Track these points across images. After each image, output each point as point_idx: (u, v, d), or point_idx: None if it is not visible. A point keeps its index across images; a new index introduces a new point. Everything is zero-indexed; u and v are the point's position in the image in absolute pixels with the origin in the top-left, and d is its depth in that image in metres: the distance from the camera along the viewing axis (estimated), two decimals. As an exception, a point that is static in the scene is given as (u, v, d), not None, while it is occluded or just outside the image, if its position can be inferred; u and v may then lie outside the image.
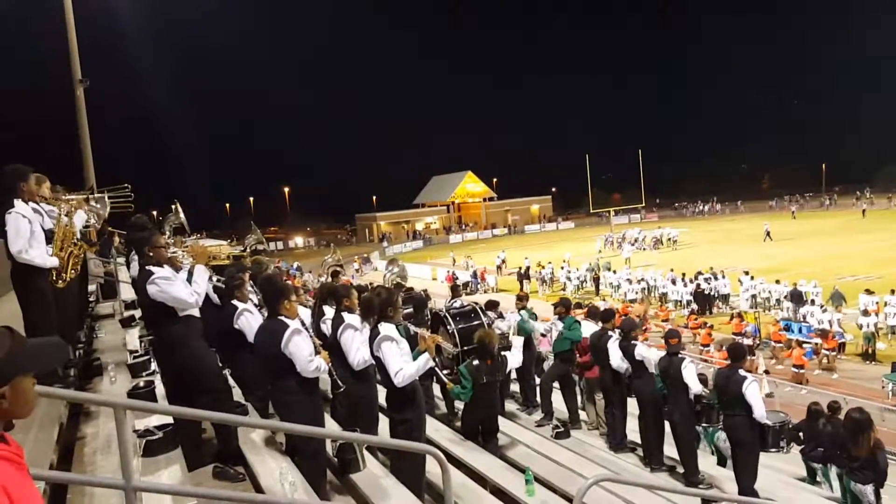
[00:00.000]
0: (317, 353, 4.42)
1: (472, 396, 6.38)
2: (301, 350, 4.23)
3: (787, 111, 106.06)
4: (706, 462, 7.65)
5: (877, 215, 50.44)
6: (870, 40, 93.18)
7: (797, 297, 20.48)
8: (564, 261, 33.03)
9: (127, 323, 7.79)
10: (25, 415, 1.70)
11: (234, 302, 5.75)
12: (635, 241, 43.03)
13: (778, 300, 22.36)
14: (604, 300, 24.72)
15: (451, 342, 6.40)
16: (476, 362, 6.44)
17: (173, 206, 7.68)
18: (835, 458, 7.09)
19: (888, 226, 41.67)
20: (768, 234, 40.64)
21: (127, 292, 8.68)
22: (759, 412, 6.30)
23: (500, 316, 8.75)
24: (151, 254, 4.29)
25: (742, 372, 6.45)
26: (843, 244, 35.42)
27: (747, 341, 16.72)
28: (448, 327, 7.06)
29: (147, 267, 4.19)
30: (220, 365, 6.51)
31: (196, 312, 4.31)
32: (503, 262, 38.00)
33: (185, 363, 4.24)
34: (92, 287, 9.63)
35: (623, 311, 21.77)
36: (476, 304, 8.48)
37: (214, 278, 6.22)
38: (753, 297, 23.15)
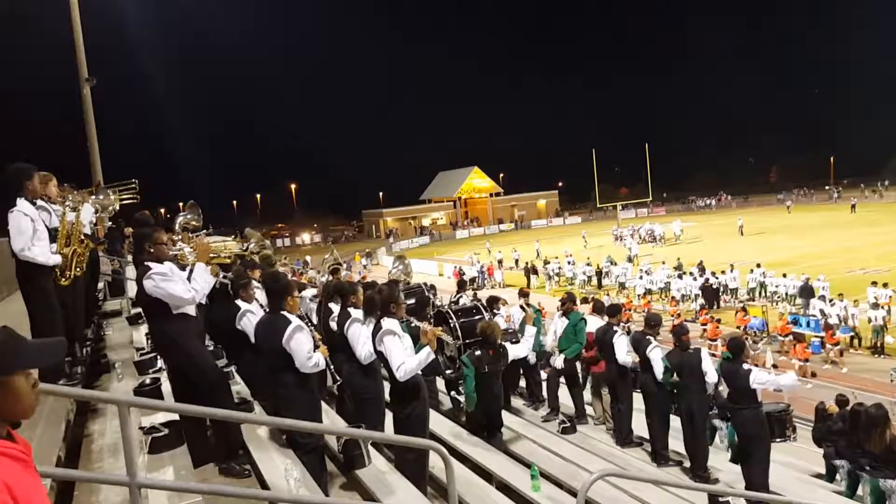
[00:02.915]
0: (316, 347, 4.44)
1: (474, 386, 6.39)
2: (301, 346, 4.25)
3: (794, 103, 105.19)
4: (717, 457, 7.63)
5: (868, 208, 49.98)
6: (877, 33, 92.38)
7: (808, 292, 20.32)
8: (569, 255, 33.12)
9: (134, 320, 7.84)
10: (23, 415, 1.66)
11: (238, 302, 5.77)
12: (645, 235, 42.88)
13: (786, 293, 22.27)
14: (608, 295, 24.65)
15: (452, 336, 6.43)
16: (478, 352, 6.45)
17: (188, 205, 7.68)
18: (851, 455, 7.04)
19: (881, 219, 41.43)
20: (741, 229, 41.01)
21: (134, 290, 8.72)
22: (786, 381, 6.64)
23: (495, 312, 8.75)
24: (152, 250, 4.29)
25: (746, 365, 6.45)
26: (852, 238, 35.17)
27: (754, 337, 16.68)
28: (451, 322, 7.08)
29: (146, 262, 4.20)
30: (227, 362, 6.56)
31: (192, 311, 4.30)
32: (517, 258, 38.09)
33: (179, 362, 4.28)
34: (100, 284, 9.69)
35: (627, 305, 21.83)
36: (478, 300, 8.49)
37: (221, 275, 6.24)
38: (753, 289, 23.08)
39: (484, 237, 61.48)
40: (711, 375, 6.72)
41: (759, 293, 23.41)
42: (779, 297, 22.51)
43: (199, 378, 4.19)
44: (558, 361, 8.06)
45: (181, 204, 7.82)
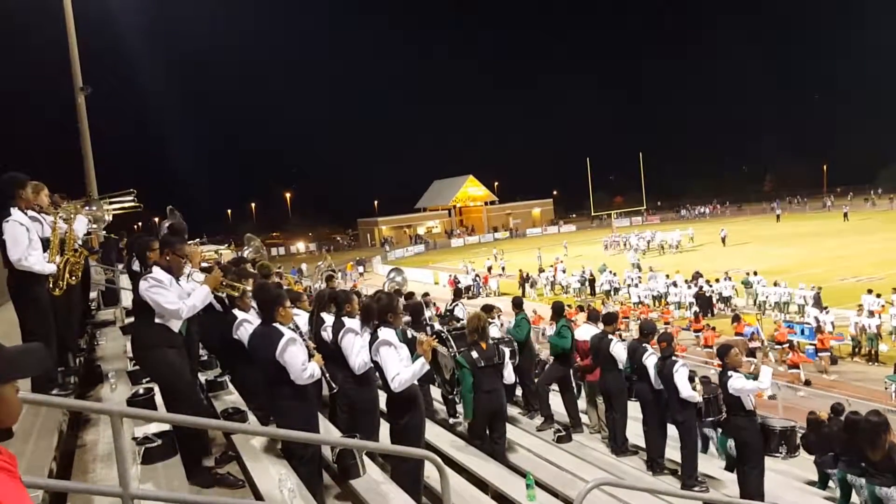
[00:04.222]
0: (311, 356, 4.43)
1: (473, 384, 6.35)
2: (295, 359, 4.26)
3: (788, 111, 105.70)
4: (711, 465, 7.62)
5: (860, 216, 50.34)
6: (873, 39, 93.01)
7: (819, 301, 20.07)
8: (560, 260, 33.31)
9: (128, 330, 7.79)
10: (10, 422, 1.69)
11: (235, 311, 5.76)
12: (645, 245, 42.83)
13: (777, 301, 22.33)
14: (604, 304, 24.73)
15: (445, 346, 6.42)
16: (473, 352, 6.43)
17: (168, 210, 7.69)
18: (849, 463, 7.02)
19: (874, 227, 41.64)
20: (723, 240, 40.94)
21: (128, 299, 8.69)
22: (759, 385, 6.39)
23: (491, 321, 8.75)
24: (168, 258, 4.29)
25: (729, 371, 6.46)
26: (844, 246, 35.35)
27: (754, 343, 16.67)
28: (443, 334, 7.08)
29: (152, 266, 4.22)
30: (221, 371, 6.53)
31: (175, 326, 4.28)
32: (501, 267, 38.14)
33: (149, 368, 4.33)
34: (93, 294, 9.65)
35: (624, 313, 21.87)
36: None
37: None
38: (761, 302, 23.04)
39: (479, 245, 61.58)
40: (682, 389, 6.68)
41: (754, 302, 23.45)
42: (768, 306, 22.58)
43: (166, 388, 4.23)
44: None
45: (167, 210, 7.80)
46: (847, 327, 17.92)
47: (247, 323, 5.55)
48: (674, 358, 6.91)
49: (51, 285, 4.82)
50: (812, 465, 8.14)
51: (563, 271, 32.00)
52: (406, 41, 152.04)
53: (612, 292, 27.90)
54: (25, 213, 4.68)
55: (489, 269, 37.15)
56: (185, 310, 4.19)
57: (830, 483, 7.80)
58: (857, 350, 17.60)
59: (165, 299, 4.10)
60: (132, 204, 6.93)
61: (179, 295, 4.22)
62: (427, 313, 8.20)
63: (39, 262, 4.67)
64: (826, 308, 18.84)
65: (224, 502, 3.39)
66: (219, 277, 4.68)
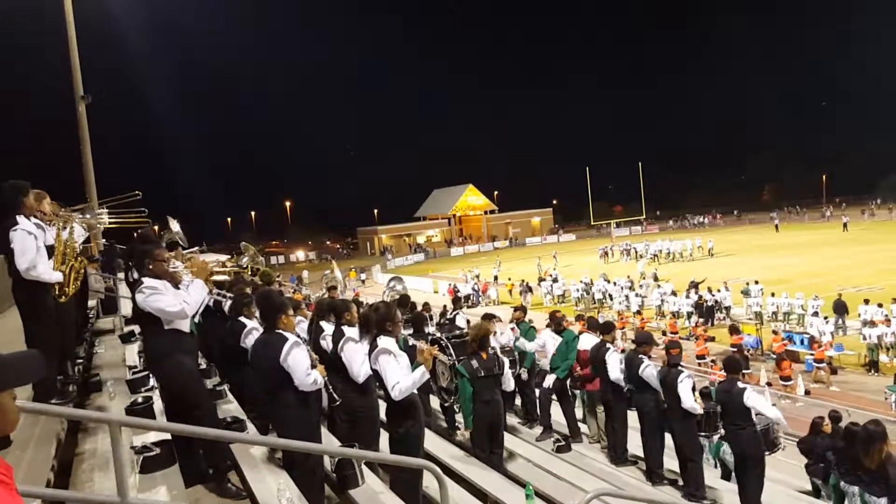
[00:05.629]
0: (313, 366, 4.42)
1: (472, 394, 6.32)
2: (300, 363, 4.24)
3: (788, 122, 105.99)
4: (709, 475, 7.58)
5: (860, 226, 50.40)
6: (872, 48, 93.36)
7: (841, 308, 20.02)
8: (555, 269, 33.33)
9: (127, 338, 7.79)
10: (5, 432, 1.69)
11: (242, 319, 5.75)
12: (645, 253, 42.79)
13: (774, 312, 22.31)
14: (598, 312, 24.71)
15: (445, 354, 6.41)
16: (474, 362, 6.40)
17: (169, 221, 7.69)
18: (845, 470, 7.01)
19: (873, 238, 41.64)
20: (710, 251, 41.40)
21: (127, 308, 8.68)
22: (774, 415, 6.42)
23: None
24: (152, 266, 4.30)
25: (740, 384, 6.43)
26: (843, 255, 35.36)
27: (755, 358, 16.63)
28: (442, 341, 7.07)
29: (142, 277, 4.22)
30: (220, 380, 6.53)
31: (185, 327, 4.30)
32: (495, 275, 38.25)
33: (166, 378, 4.30)
34: (92, 302, 9.64)
35: (622, 324, 21.81)
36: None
37: (216, 292, 6.22)
38: (758, 313, 22.99)
39: (479, 254, 61.61)
40: (685, 400, 6.65)
41: (755, 314, 23.41)
42: (767, 316, 22.55)
43: (184, 395, 4.20)
44: (548, 381, 8.08)
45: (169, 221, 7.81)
46: (859, 338, 17.83)
47: (255, 331, 5.54)
48: (680, 368, 6.90)
49: (56, 293, 4.82)
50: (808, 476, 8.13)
51: (556, 280, 32.00)
52: (407, 47, 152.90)
53: (609, 300, 27.82)
54: (30, 221, 4.69)
55: (477, 276, 37.20)
56: (188, 307, 4.21)
57: (823, 492, 7.78)
58: (865, 359, 17.53)
59: (165, 303, 4.11)
60: (140, 218, 6.92)
61: (174, 294, 4.23)
62: (428, 328, 8.18)
63: (47, 270, 4.68)
64: (826, 317, 18.74)
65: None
66: (205, 267, 4.70)
